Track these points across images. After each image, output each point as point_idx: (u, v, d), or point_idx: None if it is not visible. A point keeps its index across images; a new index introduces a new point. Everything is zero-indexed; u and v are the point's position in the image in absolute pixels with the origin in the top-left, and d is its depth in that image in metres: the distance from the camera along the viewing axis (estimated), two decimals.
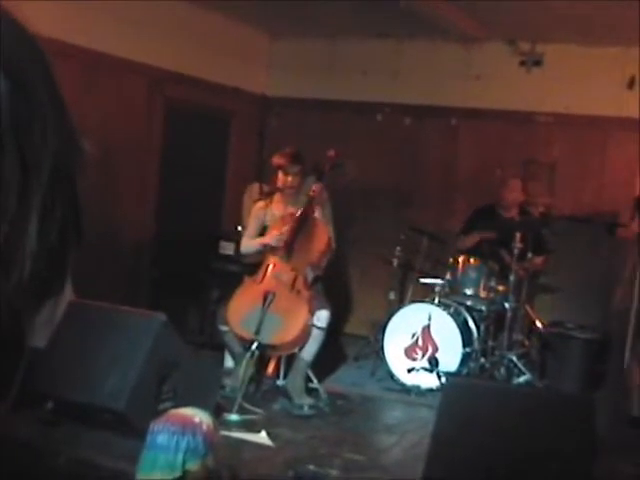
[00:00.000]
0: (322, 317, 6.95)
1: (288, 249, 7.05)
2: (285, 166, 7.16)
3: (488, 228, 8.20)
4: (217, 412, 5.71)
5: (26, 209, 0.58)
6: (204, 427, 2.87)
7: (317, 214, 7.20)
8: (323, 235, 7.16)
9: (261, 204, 7.45)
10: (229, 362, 7.43)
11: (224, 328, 7.02)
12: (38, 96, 0.60)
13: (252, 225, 7.41)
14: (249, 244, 7.36)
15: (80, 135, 0.63)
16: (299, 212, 7.11)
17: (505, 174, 8.64)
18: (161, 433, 2.88)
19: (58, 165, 0.60)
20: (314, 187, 7.21)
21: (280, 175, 7.21)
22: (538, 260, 8.20)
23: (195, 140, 9.37)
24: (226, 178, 10.09)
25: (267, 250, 7.16)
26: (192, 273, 8.83)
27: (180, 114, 9.03)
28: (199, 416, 2.91)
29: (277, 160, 7.23)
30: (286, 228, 7.04)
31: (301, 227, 7.09)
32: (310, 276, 7.16)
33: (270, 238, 7.11)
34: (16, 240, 0.57)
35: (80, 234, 0.63)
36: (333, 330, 7.31)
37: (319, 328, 6.93)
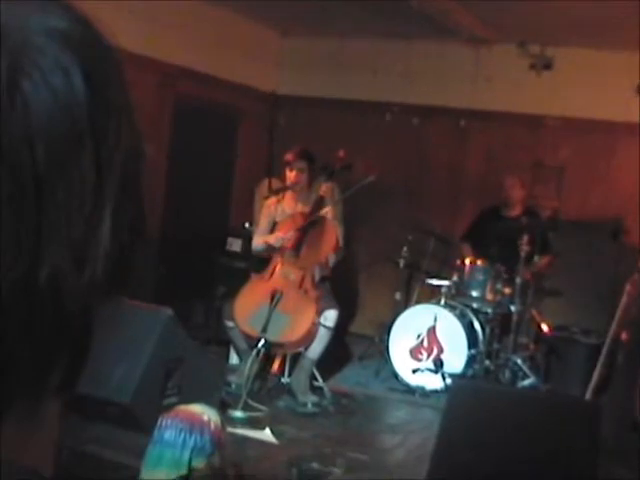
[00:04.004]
0: (330, 317, 6.96)
1: (296, 249, 7.07)
2: (291, 162, 7.21)
3: (493, 230, 8.20)
4: (222, 408, 5.71)
5: (100, 208, 0.59)
6: (212, 426, 2.88)
7: (326, 214, 7.21)
8: (332, 235, 7.17)
9: (272, 200, 7.47)
10: (234, 358, 7.45)
11: (230, 324, 7.03)
12: (112, 97, 0.61)
13: (263, 222, 7.43)
14: (259, 242, 7.40)
15: (142, 137, 0.65)
16: (308, 211, 7.14)
17: (511, 175, 8.62)
18: (169, 429, 2.88)
19: (128, 166, 0.62)
20: (324, 186, 7.24)
21: (287, 171, 7.26)
22: (542, 262, 8.19)
23: (204, 137, 9.37)
24: (234, 175, 10.10)
25: (276, 249, 7.18)
26: (199, 269, 8.83)
27: (190, 110, 9.04)
28: (208, 414, 2.91)
29: (285, 156, 7.29)
30: (291, 233, 7.06)
31: (310, 226, 7.10)
32: (318, 275, 7.17)
33: (273, 239, 7.14)
34: (90, 238, 0.59)
35: (143, 234, 0.65)
36: (339, 329, 7.32)
37: (326, 327, 6.94)
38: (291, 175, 7.24)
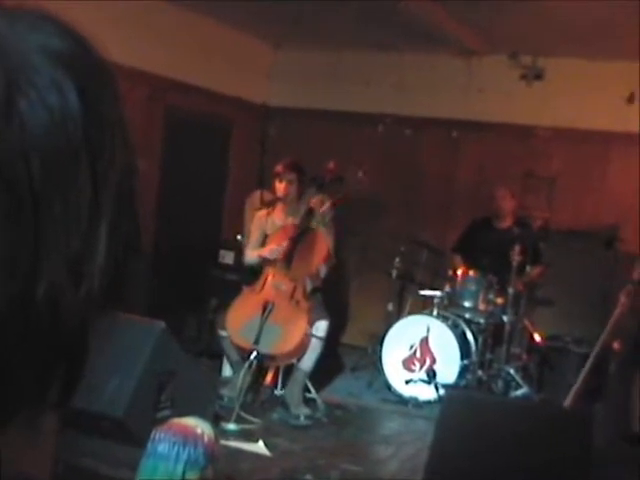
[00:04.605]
0: (321, 327, 6.97)
1: (287, 260, 7.07)
2: (281, 173, 7.21)
3: (485, 241, 8.21)
4: (215, 421, 5.71)
5: (96, 223, 0.60)
6: (205, 439, 2.87)
7: (317, 225, 7.22)
8: (323, 247, 7.18)
9: (262, 213, 7.48)
10: (227, 371, 7.44)
11: (223, 333, 7.03)
12: (106, 113, 0.62)
13: (254, 234, 7.44)
14: (251, 255, 7.40)
15: (136, 153, 0.66)
16: (298, 223, 7.14)
17: (501, 186, 8.62)
18: (162, 442, 2.87)
19: (123, 182, 0.62)
20: (314, 198, 7.24)
21: (276, 183, 7.26)
22: (534, 272, 8.21)
23: (195, 149, 9.38)
24: (226, 187, 10.10)
25: (266, 261, 7.18)
26: (191, 282, 8.83)
27: (181, 122, 9.04)
28: (201, 427, 2.91)
29: (275, 168, 7.29)
30: (286, 243, 7.06)
31: (300, 238, 7.11)
32: (309, 287, 7.17)
33: (268, 251, 7.14)
34: (87, 254, 0.59)
35: (139, 250, 0.66)
36: (331, 340, 7.32)
37: (318, 338, 6.94)
38: (280, 187, 7.24)
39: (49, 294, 0.57)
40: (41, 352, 0.59)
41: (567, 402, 6.64)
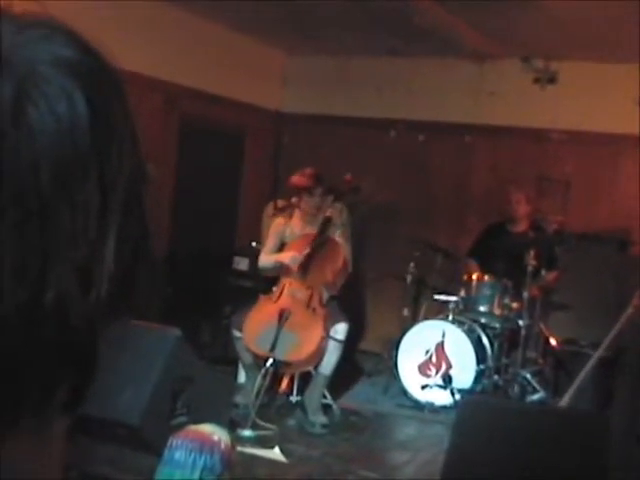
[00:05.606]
0: (340, 330, 6.96)
1: (304, 268, 7.07)
2: (311, 187, 7.16)
3: (500, 246, 8.19)
4: (231, 428, 5.71)
5: (105, 231, 0.61)
6: (222, 446, 2.87)
7: (335, 235, 7.24)
8: (339, 256, 7.19)
9: (281, 220, 7.47)
10: (242, 377, 7.44)
11: (237, 334, 7.03)
12: (115, 122, 0.63)
13: (271, 240, 7.43)
14: (267, 259, 7.38)
15: (145, 159, 0.66)
16: (317, 233, 7.15)
17: (516, 191, 8.60)
18: (179, 449, 2.88)
19: (131, 188, 0.63)
20: (332, 208, 7.26)
21: (305, 197, 7.21)
22: (550, 277, 8.19)
23: (210, 156, 9.40)
24: (240, 194, 10.11)
25: (283, 269, 7.18)
26: (206, 288, 8.83)
27: (195, 130, 9.06)
28: (218, 434, 2.90)
29: (300, 181, 7.22)
30: (307, 251, 7.06)
31: (318, 247, 7.12)
32: (325, 295, 7.17)
33: (288, 258, 7.11)
34: (95, 261, 0.60)
35: (150, 256, 0.66)
36: (348, 347, 7.30)
37: (337, 341, 6.94)
38: (312, 201, 7.20)
39: (58, 301, 0.58)
40: (50, 358, 0.60)
41: (563, 402, 6.60)
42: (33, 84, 0.58)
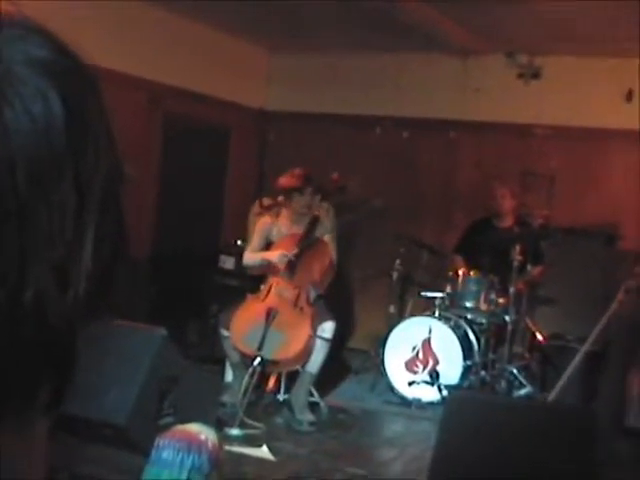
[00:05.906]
0: (327, 328, 6.96)
1: (291, 268, 7.07)
2: (301, 188, 7.16)
3: (485, 241, 8.20)
4: (218, 427, 5.70)
5: (82, 230, 0.61)
6: (210, 445, 2.86)
7: (321, 234, 7.24)
8: (326, 255, 7.21)
9: (267, 219, 7.45)
10: (229, 376, 7.43)
11: (225, 333, 7.03)
12: (91, 121, 0.63)
13: (256, 238, 7.41)
14: (252, 257, 7.37)
15: (122, 158, 0.66)
16: (304, 232, 7.15)
17: (501, 186, 8.61)
18: (166, 449, 2.86)
19: (108, 187, 0.63)
20: (319, 207, 7.26)
21: (296, 197, 7.19)
22: (536, 271, 8.20)
23: (194, 154, 9.37)
24: (225, 192, 10.09)
25: (269, 267, 7.17)
26: (192, 287, 8.82)
27: (179, 129, 9.04)
28: (205, 433, 2.89)
29: (289, 182, 7.21)
30: (295, 251, 7.05)
31: (306, 247, 7.13)
32: (313, 294, 7.17)
33: (276, 256, 7.10)
34: (73, 260, 0.60)
35: (126, 255, 0.67)
36: (335, 345, 7.30)
37: (324, 339, 6.94)
38: (302, 201, 7.19)
39: (36, 300, 0.58)
40: (29, 357, 0.60)
41: (551, 396, 6.62)
42: (8, 84, 0.58)
